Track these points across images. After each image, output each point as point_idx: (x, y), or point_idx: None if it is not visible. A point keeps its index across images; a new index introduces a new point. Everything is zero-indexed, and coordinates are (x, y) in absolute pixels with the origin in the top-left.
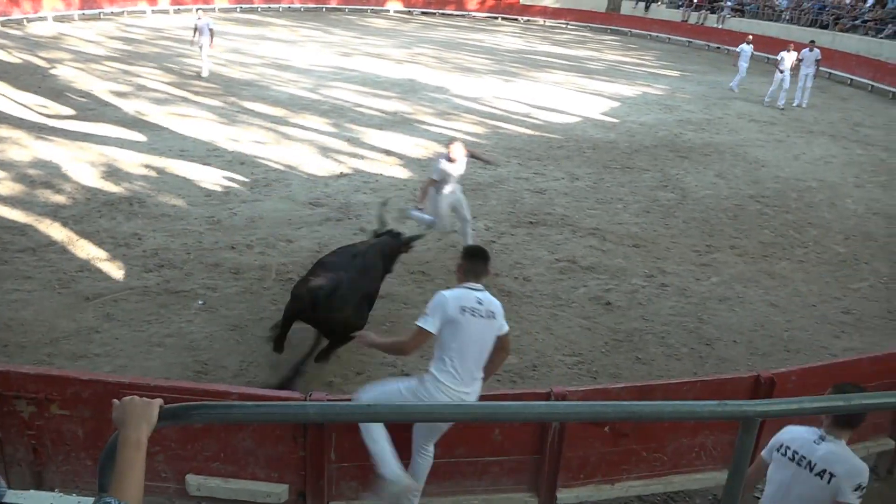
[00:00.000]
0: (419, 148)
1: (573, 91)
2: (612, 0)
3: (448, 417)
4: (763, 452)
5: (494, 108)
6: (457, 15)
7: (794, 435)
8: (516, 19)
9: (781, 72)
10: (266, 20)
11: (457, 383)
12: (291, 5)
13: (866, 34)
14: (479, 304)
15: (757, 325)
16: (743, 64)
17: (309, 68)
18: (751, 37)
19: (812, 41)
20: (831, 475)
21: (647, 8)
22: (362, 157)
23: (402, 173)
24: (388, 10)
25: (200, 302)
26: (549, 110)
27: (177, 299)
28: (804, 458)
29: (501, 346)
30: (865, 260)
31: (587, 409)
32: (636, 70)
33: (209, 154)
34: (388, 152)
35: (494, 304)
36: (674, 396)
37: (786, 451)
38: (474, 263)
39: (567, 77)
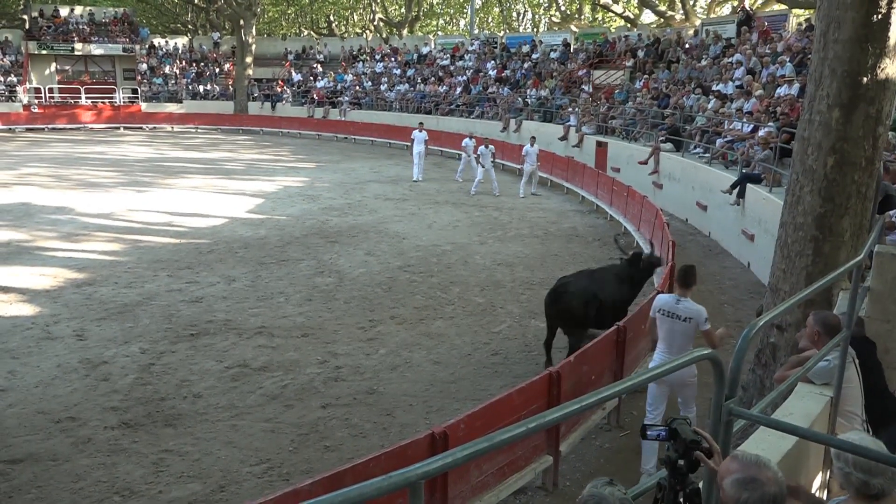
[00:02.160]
0: (45, 277)
1: (214, 193)
2: (239, 101)
3: None
4: (651, 314)
5: (130, 221)
6: (71, 128)
7: (664, 301)
8: (141, 127)
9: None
10: None
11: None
12: None
13: (462, 115)
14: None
15: (427, 385)
16: (487, 162)
17: None
18: (489, 141)
19: (421, 123)
20: (689, 318)
21: (273, 107)
22: None
23: (27, 310)
24: None
25: None
26: (193, 215)
27: None
28: (673, 313)
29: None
30: (501, 305)
31: None
32: (274, 166)
33: None
34: (4, 289)
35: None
36: (362, 477)
37: (663, 312)
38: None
39: (205, 180)
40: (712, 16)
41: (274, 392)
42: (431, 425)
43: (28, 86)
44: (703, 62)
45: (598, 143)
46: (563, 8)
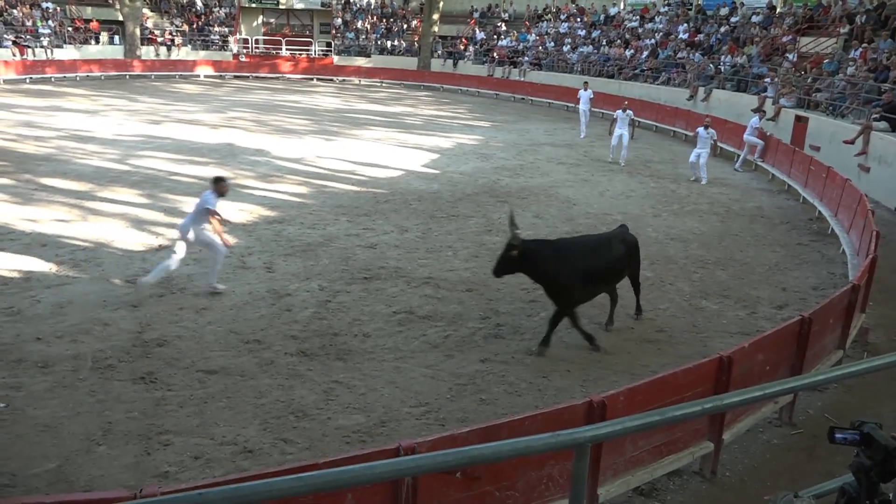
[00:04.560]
0: (243, 213)
1: (394, 146)
2: (423, 58)
3: (287, 492)
4: None
5: (318, 167)
6: (271, 77)
7: None
8: (332, 79)
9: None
10: (61, 90)
11: None
12: (90, 73)
13: (646, 81)
14: None
15: (586, 352)
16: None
17: (115, 138)
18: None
19: (586, 82)
20: None
21: (455, 64)
22: None
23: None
24: (198, 75)
25: (2, 405)
26: (373, 166)
27: None
28: None
29: None
30: (670, 281)
31: (429, 461)
32: (451, 123)
33: (2, 238)
34: None
35: None
36: (517, 433)
37: None
38: None
39: (386, 133)
40: None
41: (436, 341)
42: (588, 393)
43: (238, 36)
44: None
45: (798, 118)
46: None
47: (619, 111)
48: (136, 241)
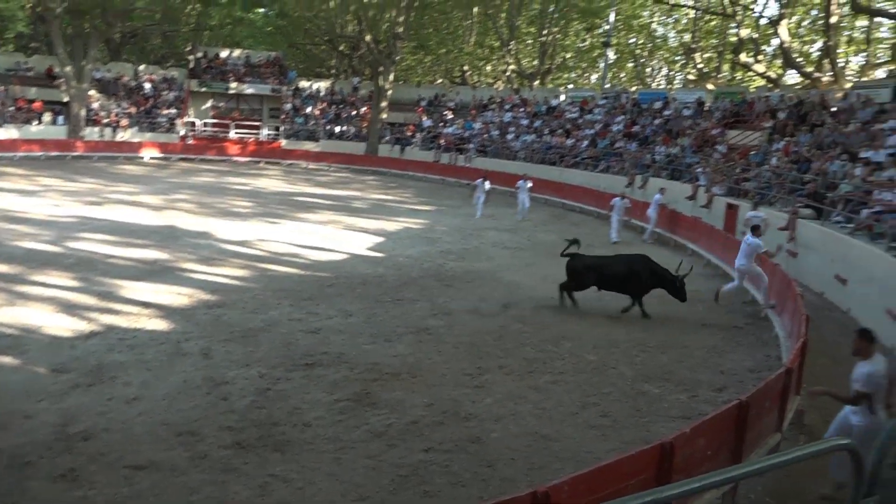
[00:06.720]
0: (181, 297)
1: (340, 230)
2: (371, 143)
3: None
4: None
5: (262, 250)
6: (218, 160)
7: None
8: (279, 163)
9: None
10: None
11: None
12: (30, 153)
13: (586, 169)
14: None
15: (531, 440)
16: (615, 216)
17: (50, 220)
18: (626, 195)
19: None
20: None
21: (402, 150)
22: (117, 312)
23: (163, 325)
24: (142, 157)
25: None
26: (318, 249)
27: None
28: None
29: None
30: (612, 365)
31: None
32: (397, 206)
33: None
34: (146, 304)
35: None
36: None
37: None
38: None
39: (333, 216)
40: (865, 79)
41: (379, 430)
42: (533, 483)
43: (186, 119)
44: (851, 127)
45: (729, 205)
46: (699, 65)
47: (521, 181)
48: (66, 326)
